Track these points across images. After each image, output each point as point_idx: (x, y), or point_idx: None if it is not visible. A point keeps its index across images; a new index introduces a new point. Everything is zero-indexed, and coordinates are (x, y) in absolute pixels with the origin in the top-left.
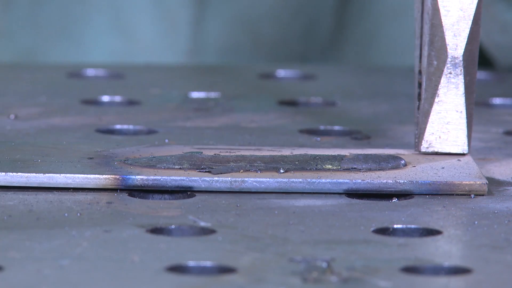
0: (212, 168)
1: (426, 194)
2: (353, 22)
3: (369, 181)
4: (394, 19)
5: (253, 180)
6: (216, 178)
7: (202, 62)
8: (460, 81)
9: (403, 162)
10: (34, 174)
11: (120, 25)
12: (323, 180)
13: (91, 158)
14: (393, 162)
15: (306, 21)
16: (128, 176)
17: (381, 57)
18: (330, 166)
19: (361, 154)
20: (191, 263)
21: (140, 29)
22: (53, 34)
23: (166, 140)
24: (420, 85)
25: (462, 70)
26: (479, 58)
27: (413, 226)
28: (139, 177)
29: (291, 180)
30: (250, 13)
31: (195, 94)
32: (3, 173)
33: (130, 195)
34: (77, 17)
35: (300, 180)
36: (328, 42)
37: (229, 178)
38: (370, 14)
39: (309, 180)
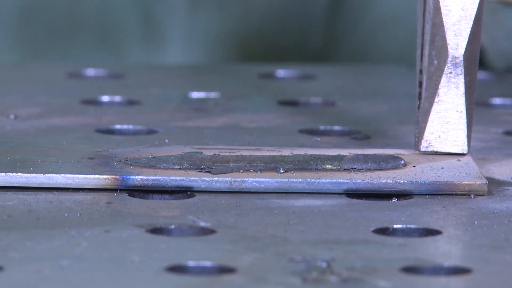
0: (212, 168)
1: (426, 194)
2: (346, 29)
3: (369, 181)
4: (389, 24)
5: (253, 180)
6: (216, 178)
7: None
8: (460, 81)
9: (402, 162)
10: (34, 174)
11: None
12: (323, 180)
13: (91, 158)
14: (393, 162)
15: (299, 21)
16: (128, 176)
17: (376, 60)
18: (330, 166)
19: (361, 154)
20: (191, 263)
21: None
22: (40, 50)
23: (166, 140)
24: (420, 84)
25: (463, 70)
26: (480, 59)
27: (413, 226)
28: (139, 177)
29: (291, 180)
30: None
31: (195, 94)
32: (3, 174)
33: (130, 195)
34: (65, 33)
35: (300, 180)
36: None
37: (229, 178)
38: (364, 19)
39: (309, 180)
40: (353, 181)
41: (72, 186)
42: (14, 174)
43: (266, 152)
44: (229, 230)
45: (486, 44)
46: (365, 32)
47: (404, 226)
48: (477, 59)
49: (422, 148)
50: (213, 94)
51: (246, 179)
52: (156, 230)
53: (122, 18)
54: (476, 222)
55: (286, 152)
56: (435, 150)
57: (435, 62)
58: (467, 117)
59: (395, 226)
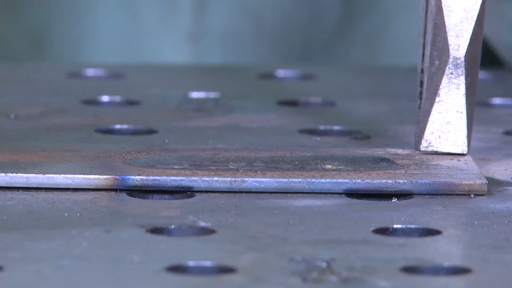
0: (212, 168)
1: (426, 194)
2: (360, 15)
3: (369, 181)
4: (402, 14)
5: (253, 180)
6: (216, 178)
7: (203, 48)
8: (461, 81)
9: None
10: (34, 174)
11: (127, 5)
12: (323, 180)
13: (91, 159)
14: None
15: (311, 11)
16: (127, 176)
17: (388, 51)
18: (330, 166)
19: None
20: (191, 263)
21: (144, 10)
22: (61, 11)
23: (166, 140)
24: (422, 83)
25: (464, 71)
26: (485, 57)
27: (413, 226)
28: (139, 177)
29: (291, 180)
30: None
31: (195, 94)
32: (3, 174)
33: (130, 195)
34: None
35: (300, 180)
36: (333, 33)
37: (229, 178)
38: (379, 6)
39: (309, 180)
40: (353, 181)
41: (72, 187)
42: (14, 174)
43: (266, 152)
44: (229, 230)
45: (489, 37)
46: (378, 22)
47: (404, 226)
48: (478, 60)
49: (422, 148)
50: (213, 94)
51: (246, 179)
52: (156, 230)
53: None
54: (476, 222)
55: (286, 152)
56: (435, 150)
57: (436, 62)
58: (467, 118)
59: (395, 226)
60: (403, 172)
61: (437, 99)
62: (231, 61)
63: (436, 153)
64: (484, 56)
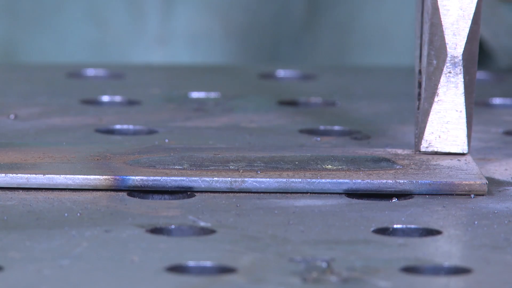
0: (212, 168)
1: (426, 194)
2: (326, 7)
3: (369, 181)
4: (369, 5)
5: (253, 180)
6: (216, 178)
7: (172, 50)
8: (459, 80)
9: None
10: (34, 175)
11: (93, 12)
12: (323, 180)
13: (91, 159)
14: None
15: (278, 6)
16: (127, 177)
17: (356, 43)
18: (330, 166)
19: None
20: (191, 263)
21: (111, 16)
22: (28, 21)
23: (166, 140)
24: (420, 84)
25: (462, 70)
26: (481, 57)
27: (413, 226)
28: (139, 178)
29: (291, 180)
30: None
31: (195, 94)
32: (3, 174)
33: (130, 195)
34: (52, 7)
35: (300, 180)
36: (301, 28)
37: (229, 178)
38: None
39: (309, 180)
40: (353, 181)
41: (72, 187)
42: (14, 175)
43: (266, 152)
44: (229, 230)
45: (488, 40)
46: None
47: (404, 226)
48: (476, 58)
49: (422, 149)
50: (213, 94)
51: (246, 179)
52: (156, 230)
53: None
54: (476, 222)
55: (286, 152)
56: (435, 150)
57: (434, 62)
58: (466, 117)
59: (395, 226)
60: (403, 172)
61: (436, 99)
62: (201, 61)
63: (436, 153)
64: (484, 56)
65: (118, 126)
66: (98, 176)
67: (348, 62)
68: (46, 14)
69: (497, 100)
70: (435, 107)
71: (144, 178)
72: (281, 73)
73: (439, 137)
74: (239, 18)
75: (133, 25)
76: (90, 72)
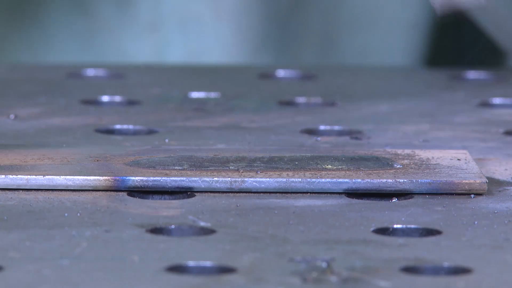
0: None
1: (426, 194)
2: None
3: (368, 180)
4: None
5: (253, 180)
6: (216, 179)
7: (164, 37)
8: None
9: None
10: (34, 176)
11: (81, 3)
12: (323, 180)
13: (91, 159)
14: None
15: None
16: (127, 177)
17: (345, 23)
18: (330, 166)
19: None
20: (191, 263)
21: (100, 6)
22: (15, 15)
23: (166, 140)
24: None
25: None
26: (495, 57)
27: (413, 226)
28: (139, 178)
29: (291, 180)
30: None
31: (195, 94)
32: (3, 176)
33: (129, 195)
34: None
35: (300, 180)
36: (289, 9)
37: (228, 179)
38: None
39: (309, 180)
40: (353, 180)
41: (72, 188)
42: (14, 176)
43: (266, 152)
44: (229, 230)
45: (502, 40)
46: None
47: (404, 226)
48: None
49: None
50: (213, 94)
51: (246, 179)
52: (156, 230)
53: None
54: (476, 222)
55: (286, 152)
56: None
57: None
58: None
59: (395, 226)
60: (403, 171)
61: None
62: (193, 48)
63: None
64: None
65: (118, 126)
66: (98, 177)
67: (337, 43)
68: (33, 8)
69: (497, 100)
70: None
71: (144, 178)
72: (281, 73)
73: None
74: (229, 1)
75: (122, 14)
76: (90, 72)
